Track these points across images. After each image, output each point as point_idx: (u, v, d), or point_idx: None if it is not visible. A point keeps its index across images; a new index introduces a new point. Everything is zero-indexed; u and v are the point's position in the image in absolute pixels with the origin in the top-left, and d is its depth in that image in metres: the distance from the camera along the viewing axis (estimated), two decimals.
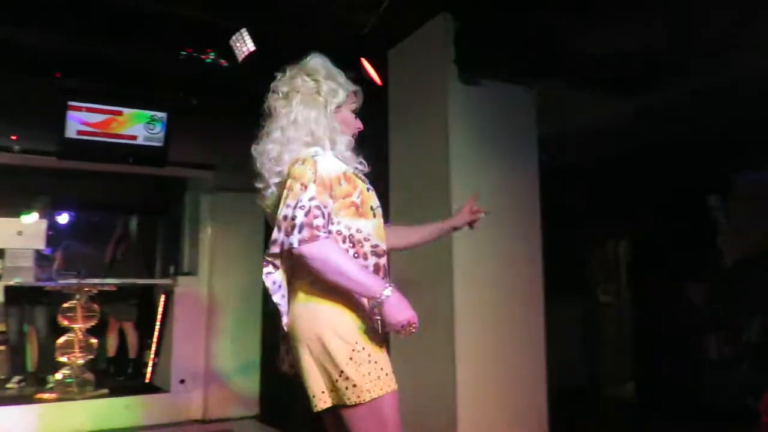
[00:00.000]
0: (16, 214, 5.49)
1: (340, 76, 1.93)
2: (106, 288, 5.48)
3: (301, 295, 1.81)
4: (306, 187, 1.72)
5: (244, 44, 4.27)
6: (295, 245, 1.67)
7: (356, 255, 1.78)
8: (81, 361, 5.24)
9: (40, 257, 5.50)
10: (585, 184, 5.56)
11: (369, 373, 1.68)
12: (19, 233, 5.04)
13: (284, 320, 1.83)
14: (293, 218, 1.69)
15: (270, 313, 5.58)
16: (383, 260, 1.83)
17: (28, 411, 4.85)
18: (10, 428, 4.68)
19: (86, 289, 5.32)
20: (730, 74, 3.76)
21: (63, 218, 6.61)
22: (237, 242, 5.64)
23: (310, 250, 1.66)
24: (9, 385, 5.37)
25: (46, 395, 5.08)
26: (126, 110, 4.91)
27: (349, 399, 1.68)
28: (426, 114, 3.59)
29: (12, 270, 5.01)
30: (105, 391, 5.27)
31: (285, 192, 1.77)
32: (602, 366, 6.00)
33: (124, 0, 3.98)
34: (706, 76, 3.78)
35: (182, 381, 5.37)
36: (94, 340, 5.37)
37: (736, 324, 4.99)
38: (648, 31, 3.16)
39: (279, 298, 1.82)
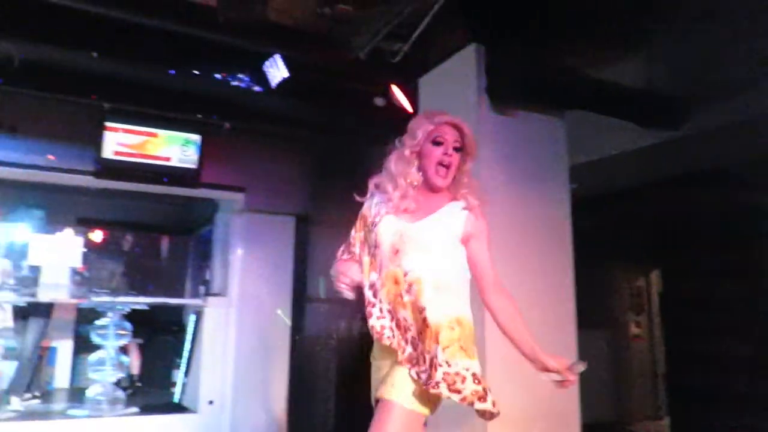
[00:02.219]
0: (53, 231, 5.65)
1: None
2: (138, 307, 5.56)
3: None
4: None
5: (278, 70, 4.35)
6: None
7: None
8: (112, 379, 5.33)
9: (75, 274, 5.61)
10: (615, 214, 5.49)
11: None
12: (56, 250, 5.17)
13: None
14: None
15: (299, 336, 5.64)
16: (369, 291, 2.14)
17: (60, 427, 4.93)
18: None
19: (119, 307, 5.42)
20: (757, 108, 3.70)
21: (97, 236, 6.73)
22: (267, 264, 5.68)
23: None
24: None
25: (77, 411, 5.17)
26: (161, 132, 5.02)
27: None
28: None
29: (49, 287, 5.12)
30: (135, 409, 5.32)
31: None
32: (632, 401, 5.86)
33: (162, 25, 4.11)
34: (733, 108, 3.73)
35: (211, 402, 5.40)
36: (125, 358, 5.46)
37: None
38: (677, 66, 3.14)
39: None
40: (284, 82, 4.33)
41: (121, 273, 6.79)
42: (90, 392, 5.26)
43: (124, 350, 5.56)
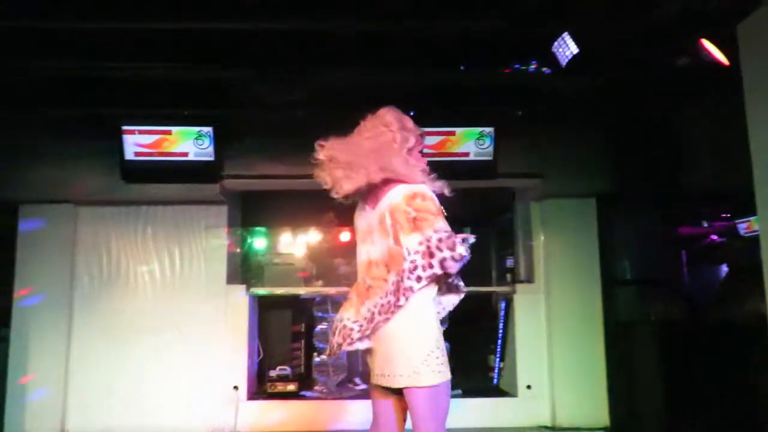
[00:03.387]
0: None
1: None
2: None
3: None
4: None
5: (567, 48, 4.22)
6: None
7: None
8: None
9: None
10: None
11: None
12: None
13: None
14: None
15: (614, 322, 5.39)
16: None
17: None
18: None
19: None
20: None
21: None
22: (570, 249, 5.56)
23: None
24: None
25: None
26: (458, 129, 5.26)
27: None
28: None
29: None
30: (459, 391, 5.67)
31: None
32: None
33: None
34: None
35: (529, 387, 5.49)
36: (446, 345, 5.84)
37: None
38: None
39: None
40: (575, 59, 4.20)
41: None
42: None
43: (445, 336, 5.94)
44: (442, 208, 2.34)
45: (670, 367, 4.77)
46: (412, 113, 5.00)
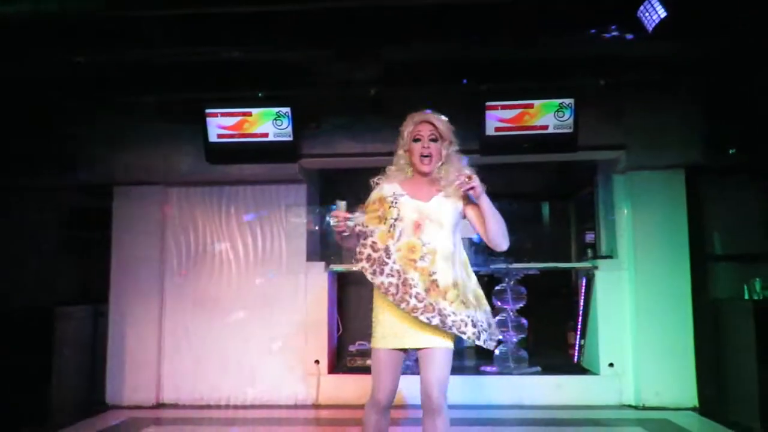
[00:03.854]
0: None
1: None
2: (530, 272, 5.82)
3: None
4: None
5: (654, 11, 4.02)
6: None
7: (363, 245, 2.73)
8: (515, 340, 5.72)
9: (471, 245, 6.14)
10: None
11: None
12: None
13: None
14: None
15: (705, 298, 5.16)
16: (376, 253, 2.68)
17: (475, 381, 5.52)
18: (462, 393, 5.39)
19: (513, 273, 5.77)
20: None
21: None
22: (655, 222, 5.34)
23: None
24: None
25: (488, 368, 5.70)
26: (537, 102, 5.11)
27: None
28: None
29: None
30: (538, 368, 5.62)
31: None
32: None
33: None
34: None
35: (611, 365, 5.36)
36: (524, 321, 5.79)
37: None
38: None
39: None
40: (662, 24, 3.99)
41: (511, 241, 7.17)
42: (497, 351, 5.75)
43: (520, 313, 5.90)
44: (368, 200, 2.83)
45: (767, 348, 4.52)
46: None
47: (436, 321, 2.54)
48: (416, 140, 2.76)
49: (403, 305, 2.57)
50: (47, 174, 5.67)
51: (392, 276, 2.61)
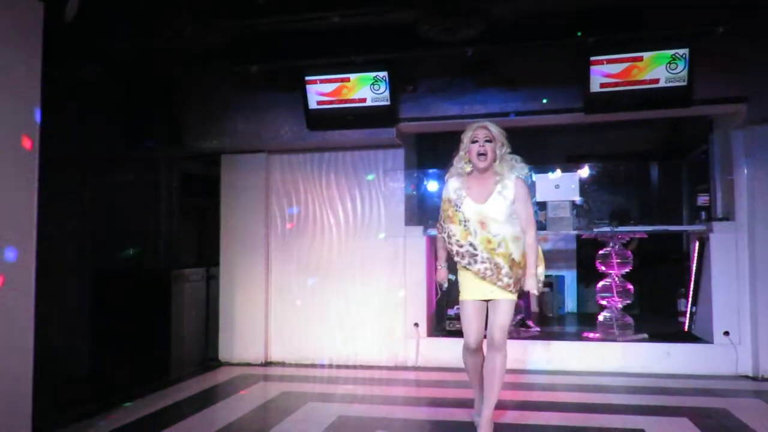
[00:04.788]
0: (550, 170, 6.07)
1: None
2: (637, 235, 5.57)
3: None
4: None
5: None
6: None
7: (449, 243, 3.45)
8: (620, 306, 5.53)
9: (574, 207, 5.93)
10: None
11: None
12: (557, 187, 5.57)
13: None
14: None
15: None
16: (463, 249, 3.36)
17: (577, 347, 5.41)
18: (563, 359, 5.30)
19: (619, 236, 5.54)
20: None
21: (589, 170, 6.93)
22: None
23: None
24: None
25: (591, 335, 5.56)
26: (646, 54, 4.81)
27: None
28: None
29: (554, 221, 5.58)
30: (645, 335, 5.40)
31: None
32: None
33: None
34: None
35: (726, 333, 5.06)
36: (629, 287, 5.57)
37: None
38: None
39: None
40: None
41: (616, 203, 6.90)
42: (600, 317, 5.58)
43: (626, 278, 5.67)
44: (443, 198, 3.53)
45: None
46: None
47: (510, 287, 3.36)
48: (474, 142, 3.38)
49: (499, 284, 3.31)
50: (166, 143, 5.95)
51: (485, 263, 3.32)
